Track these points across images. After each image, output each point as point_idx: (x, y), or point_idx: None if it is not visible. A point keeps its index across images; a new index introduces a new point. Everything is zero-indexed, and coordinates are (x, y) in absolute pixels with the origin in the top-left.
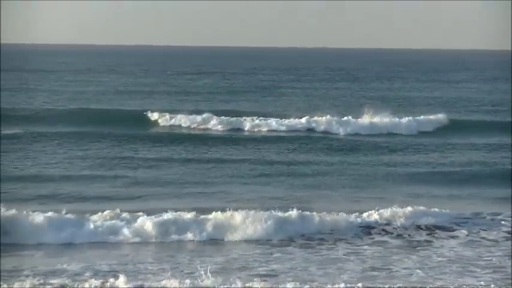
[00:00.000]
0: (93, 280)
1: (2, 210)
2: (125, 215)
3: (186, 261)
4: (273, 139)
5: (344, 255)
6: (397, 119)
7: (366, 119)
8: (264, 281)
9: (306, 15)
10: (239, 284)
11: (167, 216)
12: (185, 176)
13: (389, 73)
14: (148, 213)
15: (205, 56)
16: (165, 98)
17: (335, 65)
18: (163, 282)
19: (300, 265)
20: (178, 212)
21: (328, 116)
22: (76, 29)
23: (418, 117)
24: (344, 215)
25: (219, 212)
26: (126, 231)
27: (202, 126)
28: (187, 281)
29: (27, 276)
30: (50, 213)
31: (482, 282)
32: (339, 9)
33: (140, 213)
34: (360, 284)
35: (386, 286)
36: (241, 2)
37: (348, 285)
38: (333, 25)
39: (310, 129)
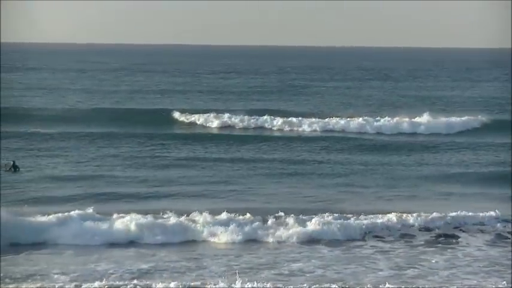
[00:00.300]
0: (121, 280)
1: (29, 211)
2: (150, 216)
3: (216, 260)
4: (305, 138)
5: (372, 254)
6: (431, 119)
7: (401, 119)
8: (287, 280)
9: (336, 15)
10: (258, 284)
11: (198, 216)
12: (216, 175)
13: (420, 72)
14: (180, 213)
15: (237, 55)
16: (198, 97)
17: (366, 64)
18: (190, 283)
19: (327, 263)
20: (205, 212)
21: (363, 115)
22: (90, 28)
23: (453, 117)
24: (376, 215)
25: (249, 214)
26: (156, 231)
27: (234, 126)
28: (217, 280)
29: (55, 274)
30: (76, 213)
31: (504, 282)
32: (369, 8)
33: (171, 213)
34: (388, 285)
35: (414, 286)
36: (273, 2)
37: (378, 286)
38: (363, 24)
39: (344, 129)
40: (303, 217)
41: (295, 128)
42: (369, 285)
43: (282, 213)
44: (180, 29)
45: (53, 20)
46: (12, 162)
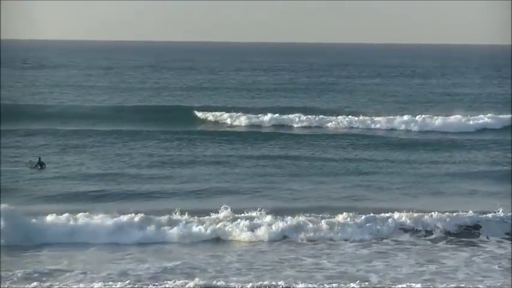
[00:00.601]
0: (143, 279)
1: (53, 208)
2: (174, 215)
3: (239, 258)
4: (333, 135)
5: (394, 251)
6: (461, 116)
7: (430, 116)
8: (308, 278)
9: (336, 14)
10: (279, 281)
11: (222, 214)
12: (242, 172)
13: (447, 69)
14: (204, 210)
15: (265, 53)
16: (225, 94)
17: (392, 61)
18: (211, 281)
19: (349, 261)
20: (230, 210)
21: (390, 113)
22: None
23: (483, 115)
24: (400, 213)
25: (273, 212)
26: (179, 229)
27: (261, 123)
28: (238, 279)
29: (76, 272)
30: (100, 211)
31: None
32: (370, 8)
33: (194, 212)
34: (409, 283)
35: (435, 285)
36: (273, 2)
37: (397, 284)
38: (363, 23)
39: (372, 126)
40: (327, 214)
41: (323, 125)
42: (389, 283)
43: (305, 211)
44: (179, 27)
45: (52, 19)
46: (38, 159)
